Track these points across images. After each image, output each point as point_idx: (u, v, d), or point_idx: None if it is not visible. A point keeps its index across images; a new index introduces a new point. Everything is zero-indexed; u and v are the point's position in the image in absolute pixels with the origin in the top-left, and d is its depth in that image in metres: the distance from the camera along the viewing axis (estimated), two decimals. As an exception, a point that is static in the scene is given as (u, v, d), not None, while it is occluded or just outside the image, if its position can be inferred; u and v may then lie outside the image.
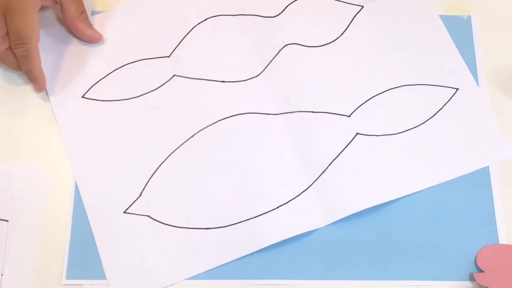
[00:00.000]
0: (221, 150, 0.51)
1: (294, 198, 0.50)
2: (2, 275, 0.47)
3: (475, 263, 0.49)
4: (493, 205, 0.51)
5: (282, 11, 0.57)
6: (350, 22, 0.56)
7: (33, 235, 0.48)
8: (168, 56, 0.54)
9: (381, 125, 0.52)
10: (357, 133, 0.52)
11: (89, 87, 0.53)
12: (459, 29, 0.57)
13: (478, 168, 0.51)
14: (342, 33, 0.56)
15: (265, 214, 0.49)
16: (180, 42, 0.55)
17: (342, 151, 0.51)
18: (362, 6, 0.57)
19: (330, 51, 0.55)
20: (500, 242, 0.50)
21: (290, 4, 0.57)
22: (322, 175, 0.50)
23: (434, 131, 0.52)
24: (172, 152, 0.51)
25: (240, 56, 0.55)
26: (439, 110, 0.53)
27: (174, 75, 0.54)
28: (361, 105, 0.53)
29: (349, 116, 0.53)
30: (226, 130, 0.52)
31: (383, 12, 0.57)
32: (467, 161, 0.51)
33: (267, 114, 0.53)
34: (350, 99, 0.53)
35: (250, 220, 0.49)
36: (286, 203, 0.50)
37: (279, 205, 0.49)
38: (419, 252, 0.49)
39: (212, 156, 0.51)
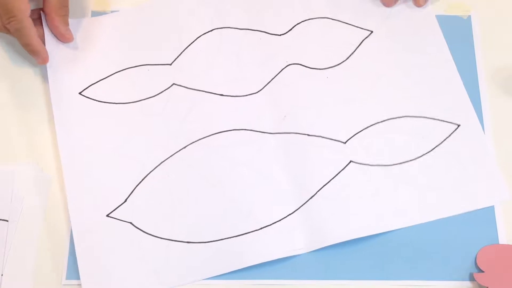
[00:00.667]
0: (212, 165, 0.51)
1: (279, 220, 0.49)
2: (2, 275, 0.47)
3: (475, 263, 0.49)
4: (493, 205, 0.51)
5: (289, 30, 0.56)
6: (357, 47, 0.55)
7: (33, 235, 0.48)
8: (170, 64, 0.54)
9: (376, 155, 0.51)
10: (351, 161, 0.51)
11: (87, 86, 0.53)
12: (459, 29, 0.57)
13: (472, 210, 0.50)
14: (348, 58, 0.55)
15: (248, 234, 0.48)
16: (183, 51, 0.55)
17: (333, 178, 0.50)
18: (372, 31, 0.56)
19: (333, 75, 0.54)
20: (500, 242, 0.50)
21: (298, 23, 0.56)
22: (310, 200, 0.50)
23: (430, 167, 0.51)
24: (162, 161, 0.51)
25: (242, 71, 0.54)
26: (438, 145, 0.52)
27: (173, 84, 0.53)
28: (358, 132, 0.52)
29: (344, 142, 0.52)
30: (219, 145, 0.51)
31: (392, 40, 0.56)
32: (461, 200, 0.50)
33: (262, 132, 0.52)
34: (347, 126, 0.52)
35: (232, 238, 0.48)
36: (270, 225, 0.49)
37: (263, 226, 0.49)
38: (419, 252, 0.49)
39: (202, 170, 0.50)
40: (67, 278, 0.47)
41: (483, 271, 0.48)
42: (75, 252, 0.48)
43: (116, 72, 0.54)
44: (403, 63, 0.55)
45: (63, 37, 0.54)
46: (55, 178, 0.50)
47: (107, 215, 0.49)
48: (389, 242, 0.49)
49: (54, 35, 0.54)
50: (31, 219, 0.49)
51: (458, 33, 0.57)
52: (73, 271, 0.48)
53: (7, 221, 0.49)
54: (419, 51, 0.55)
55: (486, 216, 0.50)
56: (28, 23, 0.50)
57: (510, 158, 0.52)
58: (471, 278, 0.48)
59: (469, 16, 0.57)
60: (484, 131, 0.53)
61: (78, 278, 0.47)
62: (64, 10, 0.53)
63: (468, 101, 0.54)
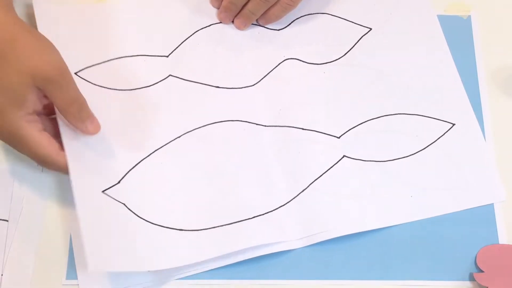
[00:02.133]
0: (206, 154, 0.50)
1: (271, 211, 0.49)
2: (2, 275, 0.47)
3: (475, 263, 0.49)
4: (493, 205, 0.51)
5: (287, 25, 0.56)
6: (355, 44, 0.55)
7: (33, 235, 0.48)
8: (167, 56, 0.54)
9: (370, 151, 0.51)
10: (344, 156, 0.51)
11: (83, 68, 0.52)
12: (459, 29, 0.57)
13: (464, 209, 0.50)
14: (345, 54, 0.55)
15: (240, 222, 0.48)
16: (180, 44, 0.55)
17: (325, 172, 0.50)
18: (370, 29, 0.56)
19: (330, 70, 0.54)
20: (500, 242, 0.50)
21: (296, 18, 0.56)
22: (302, 193, 0.50)
23: (424, 164, 0.51)
24: (157, 149, 0.50)
25: (239, 64, 0.54)
26: (432, 144, 0.52)
27: (170, 75, 0.53)
28: (352, 128, 0.52)
29: (338, 137, 0.52)
30: (214, 135, 0.51)
31: (391, 37, 0.56)
32: (453, 199, 0.50)
33: (257, 124, 0.52)
34: (342, 121, 0.52)
35: (224, 226, 0.48)
36: (262, 214, 0.49)
37: (255, 215, 0.48)
38: (419, 252, 0.49)
39: (196, 159, 0.50)
40: (67, 278, 0.47)
41: (483, 271, 0.48)
42: (74, 252, 0.48)
43: (112, 59, 0.53)
44: (400, 61, 0.55)
45: (84, 132, 0.47)
46: (55, 178, 0.50)
47: (102, 191, 0.48)
48: (388, 241, 0.49)
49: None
50: (31, 219, 0.49)
51: (458, 33, 0.57)
52: (73, 271, 0.47)
53: (7, 221, 0.49)
54: (416, 49, 0.56)
55: (486, 216, 0.50)
56: (63, 160, 0.46)
57: (510, 158, 0.52)
58: (471, 278, 0.48)
59: (469, 16, 0.57)
60: (484, 131, 0.53)
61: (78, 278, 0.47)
62: (75, 107, 0.46)
63: (467, 101, 0.54)
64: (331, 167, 0.51)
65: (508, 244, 0.49)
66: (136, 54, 0.54)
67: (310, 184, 0.50)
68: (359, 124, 0.52)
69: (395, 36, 0.56)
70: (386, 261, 0.49)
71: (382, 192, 0.50)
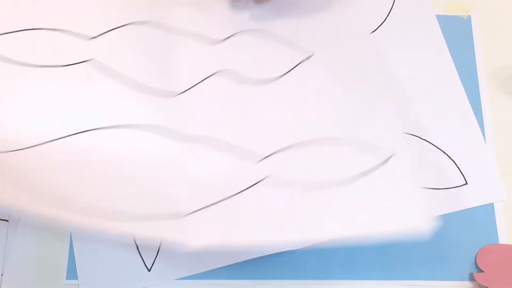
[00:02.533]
0: (107, 156, 0.46)
1: (190, 213, 0.45)
2: (2, 275, 0.47)
3: (475, 263, 0.49)
4: (493, 205, 0.51)
5: (226, 38, 0.52)
6: (295, 66, 0.52)
7: (33, 235, 0.48)
8: (90, 39, 0.50)
9: (296, 174, 0.47)
10: (266, 176, 0.47)
11: None
12: (459, 29, 0.57)
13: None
14: (283, 75, 0.51)
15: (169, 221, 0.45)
16: (110, 30, 0.50)
17: (245, 189, 0.46)
18: (313, 54, 0.52)
19: (263, 90, 0.51)
20: (500, 242, 0.50)
21: (237, 33, 0.53)
22: (219, 204, 0.46)
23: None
24: (60, 138, 0.46)
25: (167, 70, 0.50)
26: (368, 173, 0.47)
27: (91, 59, 0.49)
28: (277, 151, 0.48)
29: (264, 158, 0.48)
30: (121, 140, 0.47)
31: (332, 62, 0.52)
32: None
33: (177, 131, 0.48)
34: (268, 142, 0.48)
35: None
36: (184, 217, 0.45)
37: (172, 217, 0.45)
38: (419, 252, 0.49)
39: (96, 160, 0.46)
40: (67, 278, 0.47)
41: (483, 271, 0.48)
42: (75, 252, 0.48)
43: (25, 30, 0.49)
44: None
45: None
46: (55, 178, 0.50)
47: None
48: (389, 242, 0.49)
49: None
50: (31, 219, 0.49)
51: (458, 33, 0.57)
52: (73, 271, 0.47)
53: (7, 221, 0.49)
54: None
55: (486, 216, 0.50)
56: None
57: (510, 158, 0.52)
58: (471, 278, 0.48)
59: (469, 16, 0.57)
60: (484, 131, 0.53)
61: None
62: None
63: (466, 101, 0.54)
64: (251, 186, 0.47)
65: (508, 244, 0.49)
66: (57, 28, 0.50)
67: (229, 197, 0.46)
68: (286, 147, 0.48)
69: (337, 60, 0.53)
70: (386, 261, 0.49)
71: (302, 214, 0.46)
